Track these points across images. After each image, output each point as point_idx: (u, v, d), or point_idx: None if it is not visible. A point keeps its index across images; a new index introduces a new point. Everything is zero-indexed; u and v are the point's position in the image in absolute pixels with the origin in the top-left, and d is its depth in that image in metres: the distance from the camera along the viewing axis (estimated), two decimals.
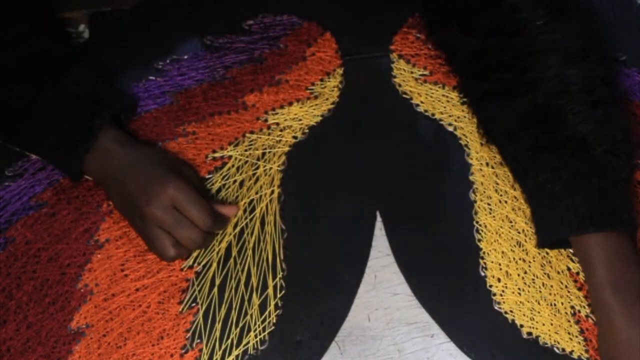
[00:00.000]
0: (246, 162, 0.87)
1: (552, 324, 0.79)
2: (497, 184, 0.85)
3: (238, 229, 0.84)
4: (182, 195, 0.76)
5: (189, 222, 0.77)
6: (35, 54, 0.81)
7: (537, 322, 0.79)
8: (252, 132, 0.88)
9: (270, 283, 0.81)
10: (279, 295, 0.81)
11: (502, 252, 0.82)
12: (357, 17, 0.92)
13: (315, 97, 0.90)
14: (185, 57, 0.92)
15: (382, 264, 0.82)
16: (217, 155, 0.87)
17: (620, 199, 0.73)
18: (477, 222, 0.83)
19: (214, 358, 0.79)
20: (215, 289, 0.82)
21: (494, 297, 0.80)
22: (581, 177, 0.73)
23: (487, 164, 0.85)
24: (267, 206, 0.85)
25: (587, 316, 0.79)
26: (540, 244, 0.78)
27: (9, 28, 0.81)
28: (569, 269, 0.81)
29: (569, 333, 0.78)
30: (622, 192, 0.74)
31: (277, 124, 0.89)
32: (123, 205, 0.80)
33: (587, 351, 0.77)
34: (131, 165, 0.79)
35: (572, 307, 0.79)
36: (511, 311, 0.79)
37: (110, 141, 0.80)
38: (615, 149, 0.74)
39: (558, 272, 0.81)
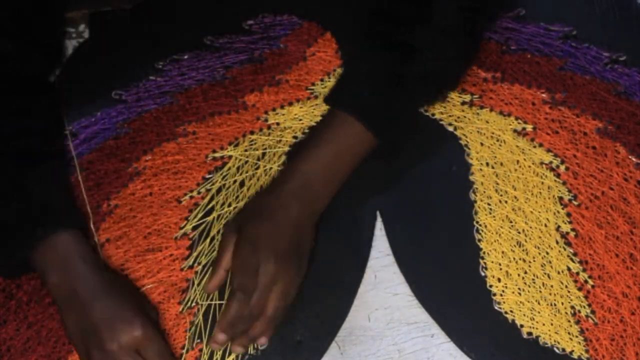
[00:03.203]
0: (246, 162, 0.87)
1: (552, 324, 0.79)
2: (497, 184, 0.85)
3: None
4: (148, 344, 0.74)
5: None
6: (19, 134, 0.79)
7: (537, 322, 0.79)
8: (252, 132, 0.88)
9: None
10: None
11: (502, 252, 0.82)
12: (357, 17, 0.92)
13: (316, 97, 0.90)
14: (185, 57, 0.92)
15: (382, 264, 0.82)
16: (217, 155, 0.87)
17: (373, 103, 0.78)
18: (477, 222, 0.83)
19: (214, 358, 0.79)
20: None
21: (494, 297, 0.80)
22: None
23: (487, 164, 0.85)
24: None
25: (587, 316, 0.79)
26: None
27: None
28: (569, 269, 0.81)
29: (569, 333, 0.78)
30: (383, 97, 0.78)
31: (278, 123, 0.89)
32: (79, 330, 0.74)
33: (587, 351, 0.77)
34: (99, 293, 0.74)
35: (572, 307, 0.79)
36: (511, 311, 0.79)
37: (73, 254, 0.76)
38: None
39: (558, 272, 0.81)
